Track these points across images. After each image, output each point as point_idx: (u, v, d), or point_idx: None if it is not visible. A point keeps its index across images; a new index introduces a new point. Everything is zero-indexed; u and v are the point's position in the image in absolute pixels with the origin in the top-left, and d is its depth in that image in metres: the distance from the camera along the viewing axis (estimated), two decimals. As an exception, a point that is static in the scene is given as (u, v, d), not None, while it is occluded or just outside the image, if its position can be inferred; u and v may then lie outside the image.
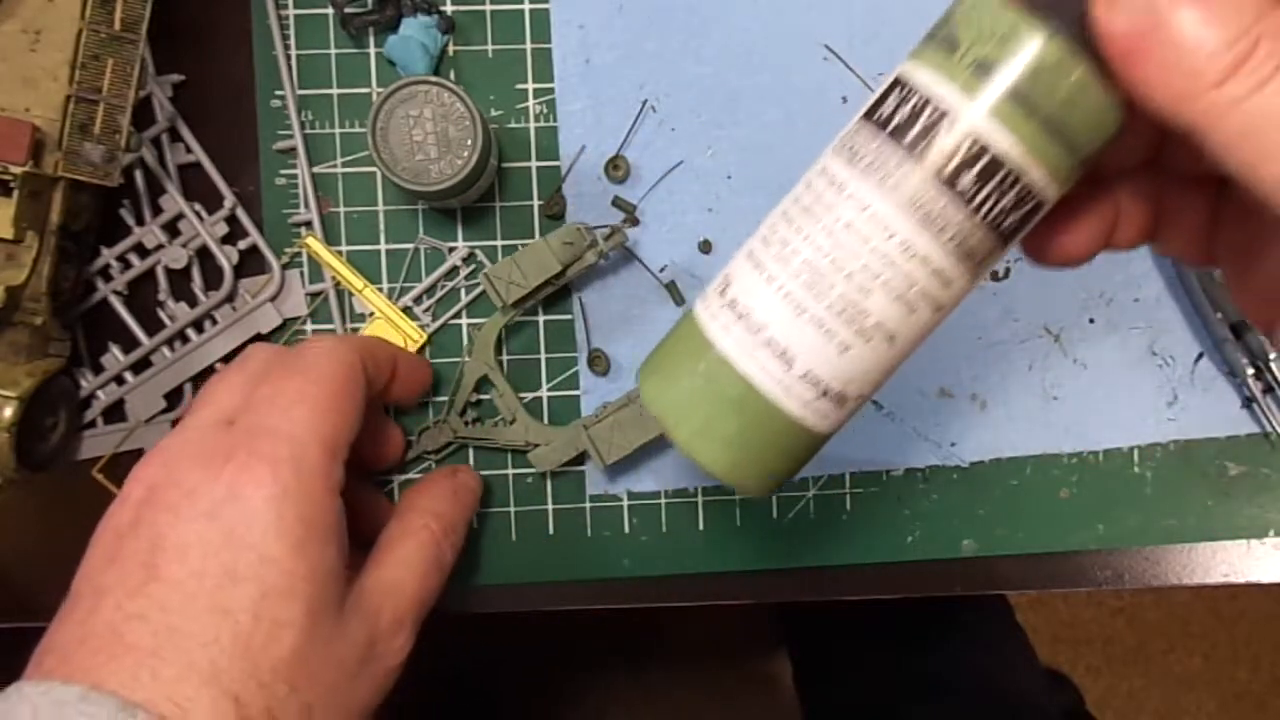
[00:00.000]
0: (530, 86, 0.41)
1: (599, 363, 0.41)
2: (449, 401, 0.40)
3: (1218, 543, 0.43)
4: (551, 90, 0.41)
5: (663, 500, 0.41)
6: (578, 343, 0.41)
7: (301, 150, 0.40)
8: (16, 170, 0.34)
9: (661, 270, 0.41)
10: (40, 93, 0.35)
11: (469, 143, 0.37)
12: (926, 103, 0.22)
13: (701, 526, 0.41)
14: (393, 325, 0.41)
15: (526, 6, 0.41)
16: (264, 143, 0.41)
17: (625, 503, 0.41)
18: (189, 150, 0.40)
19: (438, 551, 0.35)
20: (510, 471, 0.41)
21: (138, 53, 0.36)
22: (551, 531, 0.41)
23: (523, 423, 0.40)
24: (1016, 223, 0.23)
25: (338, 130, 0.41)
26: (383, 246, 0.41)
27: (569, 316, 0.41)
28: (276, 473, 0.29)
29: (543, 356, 0.41)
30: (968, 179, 0.22)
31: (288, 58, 0.40)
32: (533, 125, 0.41)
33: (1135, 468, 0.43)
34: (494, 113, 0.41)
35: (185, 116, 0.40)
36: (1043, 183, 0.22)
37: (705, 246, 0.41)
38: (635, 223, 0.41)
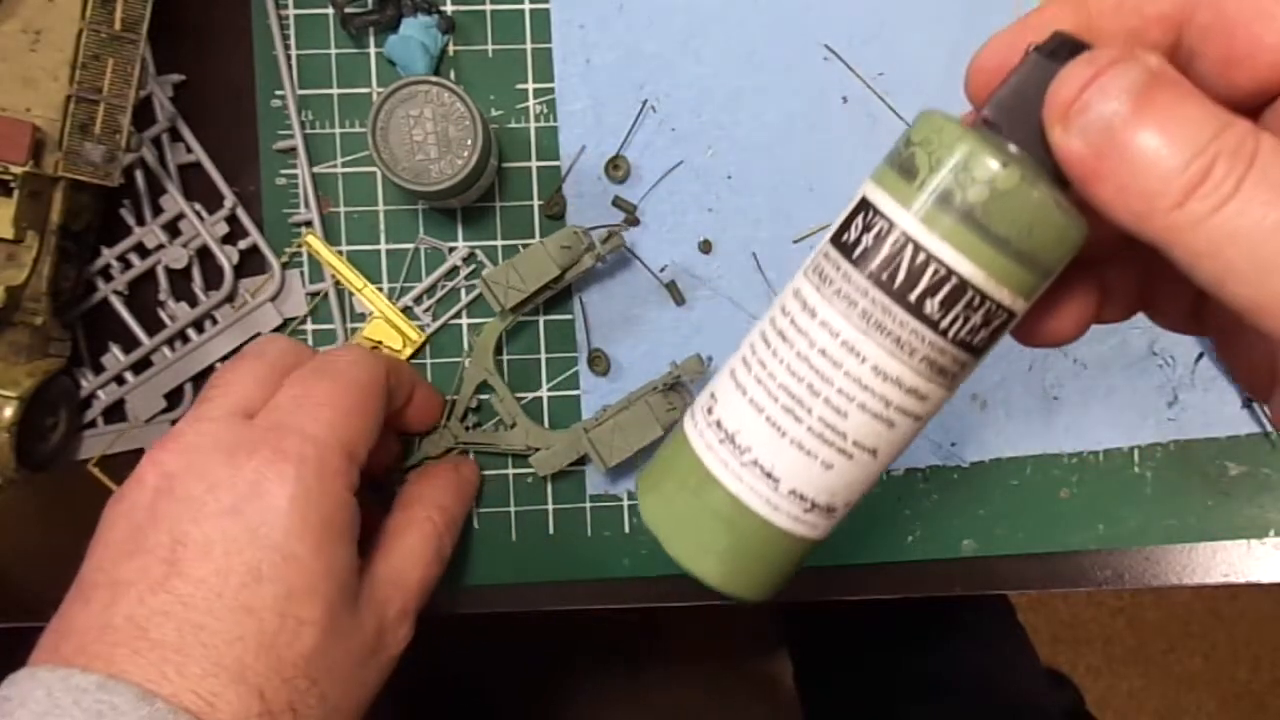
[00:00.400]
0: (530, 86, 0.41)
1: (599, 363, 0.41)
2: (448, 406, 0.40)
3: (1218, 543, 0.43)
4: (551, 90, 0.41)
5: (663, 500, 0.41)
6: (578, 343, 0.41)
7: (301, 150, 0.40)
8: (17, 170, 0.34)
9: (661, 270, 0.41)
10: (41, 93, 0.35)
11: (469, 143, 0.37)
12: (889, 230, 0.22)
13: (701, 526, 0.41)
14: (392, 325, 0.41)
15: (526, 6, 0.41)
16: (264, 143, 0.41)
17: (625, 503, 0.41)
18: (189, 150, 0.40)
19: (439, 543, 0.36)
20: (510, 471, 0.41)
21: (138, 53, 0.36)
22: (551, 531, 0.41)
23: (523, 427, 0.40)
24: (987, 337, 0.23)
25: (338, 130, 0.41)
26: (383, 246, 0.41)
27: (569, 317, 0.41)
28: (300, 472, 0.29)
29: (543, 357, 0.41)
30: (933, 305, 0.22)
31: (288, 58, 0.40)
32: (533, 125, 0.41)
33: (1135, 468, 0.43)
34: (494, 113, 0.41)
35: (186, 116, 0.40)
36: (1010, 300, 0.22)
37: (705, 246, 0.41)
38: (635, 223, 0.41)
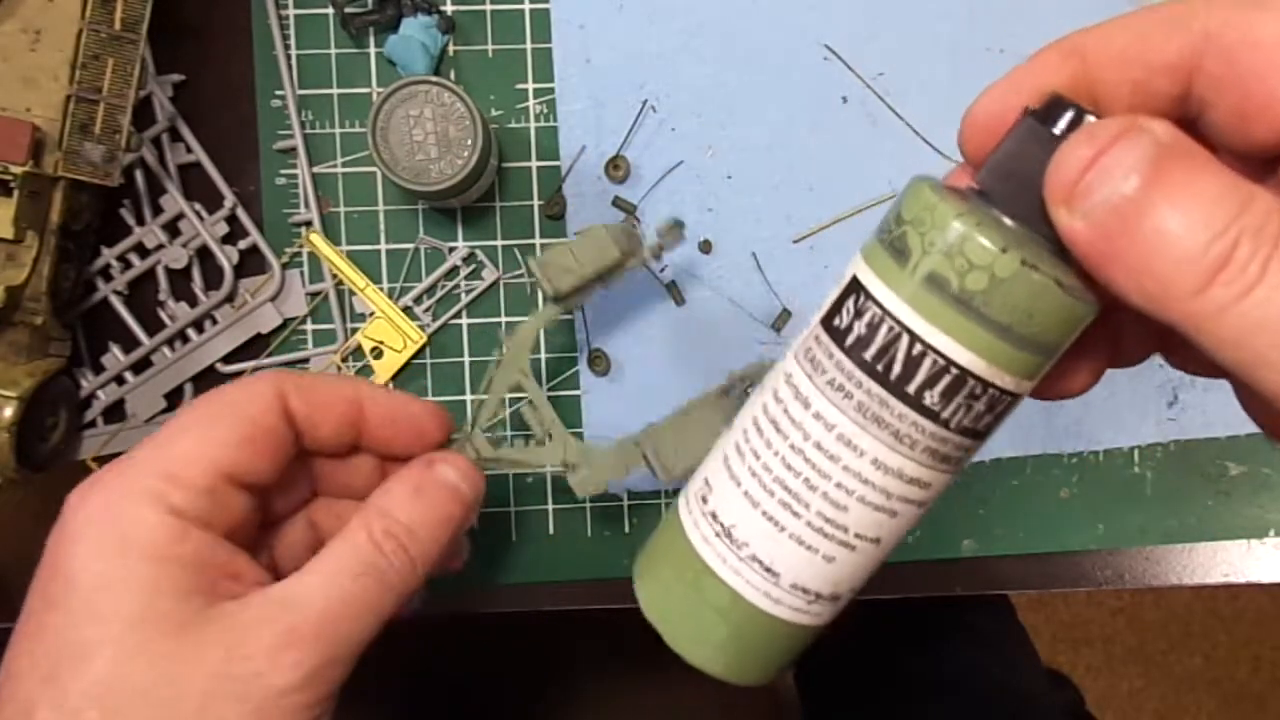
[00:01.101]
0: (530, 86, 0.41)
1: (599, 363, 0.41)
2: (472, 416, 0.35)
3: (1218, 543, 0.43)
4: (551, 90, 0.41)
5: (663, 500, 0.41)
6: (578, 343, 0.41)
7: (301, 150, 0.40)
8: (17, 170, 0.34)
9: (662, 270, 0.41)
10: (40, 92, 0.35)
11: (469, 143, 0.37)
12: (882, 319, 0.21)
13: (701, 526, 0.41)
14: (393, 325, 0.41)
15: (526, 6, 0.41)
16: (264, 143, 0.41)
17: (625, 503, 0.41)
18: (189, 150, 0.40)
19: (374, 559, 0.28)
20: (510, 471, 0.41)
21: (138, 52, 0.36)
22: (551, 531, 0.41)
23: (560, 440, 0.35)
24: (992, 421, 0.22)
25: (338, 130, 0.41)
26: (383, 246, 0.41)
27: (569, 317, 0.41)
28: (106, 494, 0.27)
29: (543, 356, 0.41)
30: (933, 396, 0.21)
31: (288, 58, 0.40)
32: (533, 125, 0.41)
33: (1135, 468, 0.43)
34: (494, 113, 0.41)
35: (186, 116, 0.40)
36: (1015, 384, 0.21)
37: (705, 246, 0.41)
38: (635, 222, 0.41)
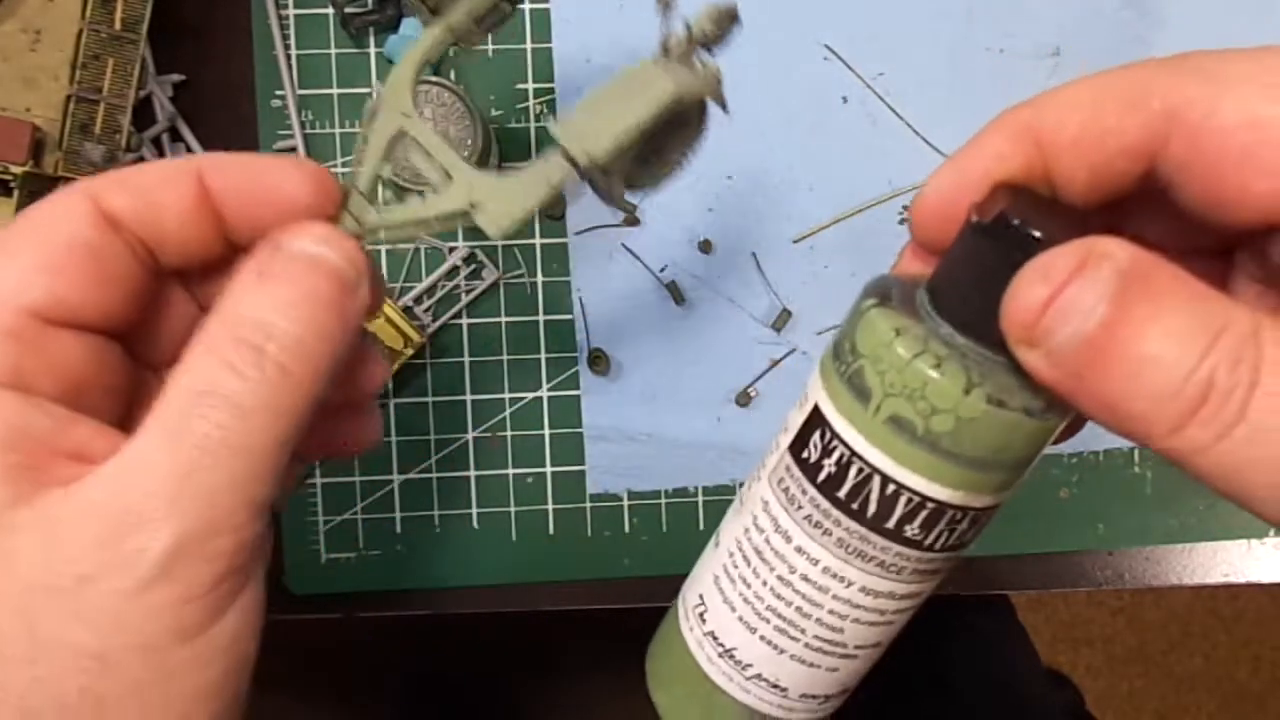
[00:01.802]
0: (530, 86, 0.41)
1: (599, 363, 0.41)
2: (345, 184, 0.25)
3: (1218, 543, 0.43)
4: (551, 90, 0.41)
5: (663, 500, 0.41)
6: (578, 343, 0.41)
7: (302, 150, 0.40)
8: (17, 170, 0.34)
9: (662, 270, 0.41)
10: (41, 92, 0.35)
11: (469, 142, 0.37)
12: (850, 459, 0.20)
13: (702, 526, 0.41)
14: (393, 325, 0.41)
15: (526, 6, 0.41)
16: (264, 143, 0.41)
17: (625, 503, 0.41)
18: (189, 150, 0.40)
19: (223, 381, 0.20)
20: (510, 471, 0.41)
21: (138, 52, 0.36)
22: (551, 531, 0.41)
23: (462, 180, 0.26)
24: (976, 532, 0.22)
25: (338, 130, 0.41)
26: (383, 247, 0.41)
27: (569, 316, 0.41)
28: None
29: (543, 356, 0.41)
30: (913, 529, 0.21)
31: (288, 58, 0.40)
32: (533, 125, 0.41)
33: (1135, 468, 0.43)
34: (494, 113, 0.41)
35: (186, 116, 0.40)
36: (994, 500, 0.21)
37: (705, 246, 0.41)
38: (636, 223, 0.41)
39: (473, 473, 0.41)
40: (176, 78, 0.40)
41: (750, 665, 0.24)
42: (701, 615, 0.25)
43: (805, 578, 0.22)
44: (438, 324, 0.41)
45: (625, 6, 0.41)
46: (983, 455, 0.19)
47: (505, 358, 0.41)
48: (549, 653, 0.73)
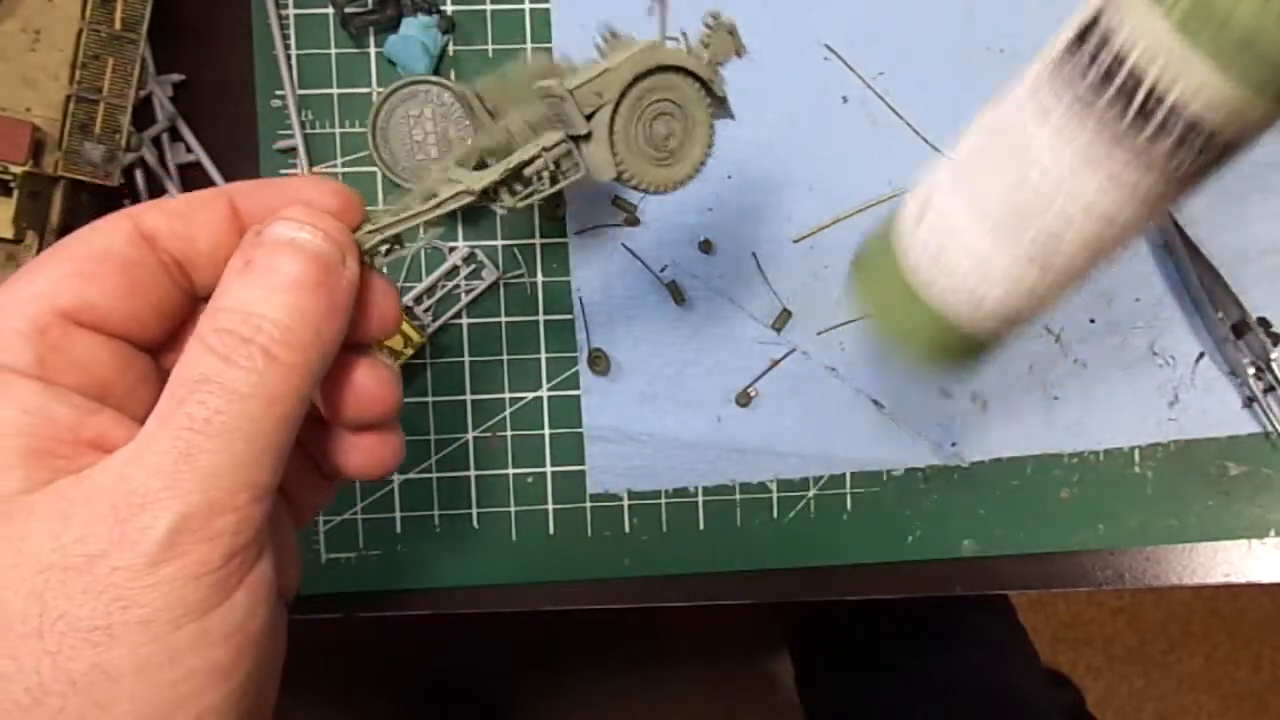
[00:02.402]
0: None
1: (599, 363, 0.41)
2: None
3: (1218, 543, 0.43)
4: (552, 90, 0.41)
5: (663, 500, 0.41)
6: (578, 343, 0.41)
7: (302, 150, 0.40)
8: (16, 170, 0.34)
9: (662, 270, 0.41)
10: (40, 92, 0.35)
11: (469, 143, 0.37)
12: (1133, 48, 0.20)
13: (701, 526, 0.41)
14: (393, 325, 0.41)
15: (526, 6, 0.41)
16: (264, 142, 0.41)
17: (625, 503, 0.41)
18: (189, 150, 0.40)
19: (212, 369, 0.21)
20: (510, 471, 0.41)
21: (138, 52, 0.36)
22: (551, 531, 0.41)
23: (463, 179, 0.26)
24: (1230, 155, 0.21)
25: (338, 130, 0.41)
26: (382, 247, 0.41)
27: (569, 316, 0.41)
28: None
29: (543, 356, 0.41)
30: (1166, 137, 0.20)
31: (288, 57, 0.40)
32: (533, 125, 0.41)
33: (1135, 468, 0.43)
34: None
35: (186, 116, 0.40)
36: (1246, 129, 0.20)
37: (705, 246, 0.41)
38: (636, 223, 0.41)
39: (473, 473, 0.41)
40: (176, 77, 0.40)
41: (956, 269, 0.24)
42: (921, 218, 0.25)
43: (1045, 173, 0.22)
44: (438, 324, 0.41)
45: (625, 7, 0.41)
46: (1261, 73, 0.19)
47: (505, 358, 0.41)
48: (549, 653, 0.73)
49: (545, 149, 0.25)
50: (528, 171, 0.25)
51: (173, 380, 0.21)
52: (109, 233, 0.23)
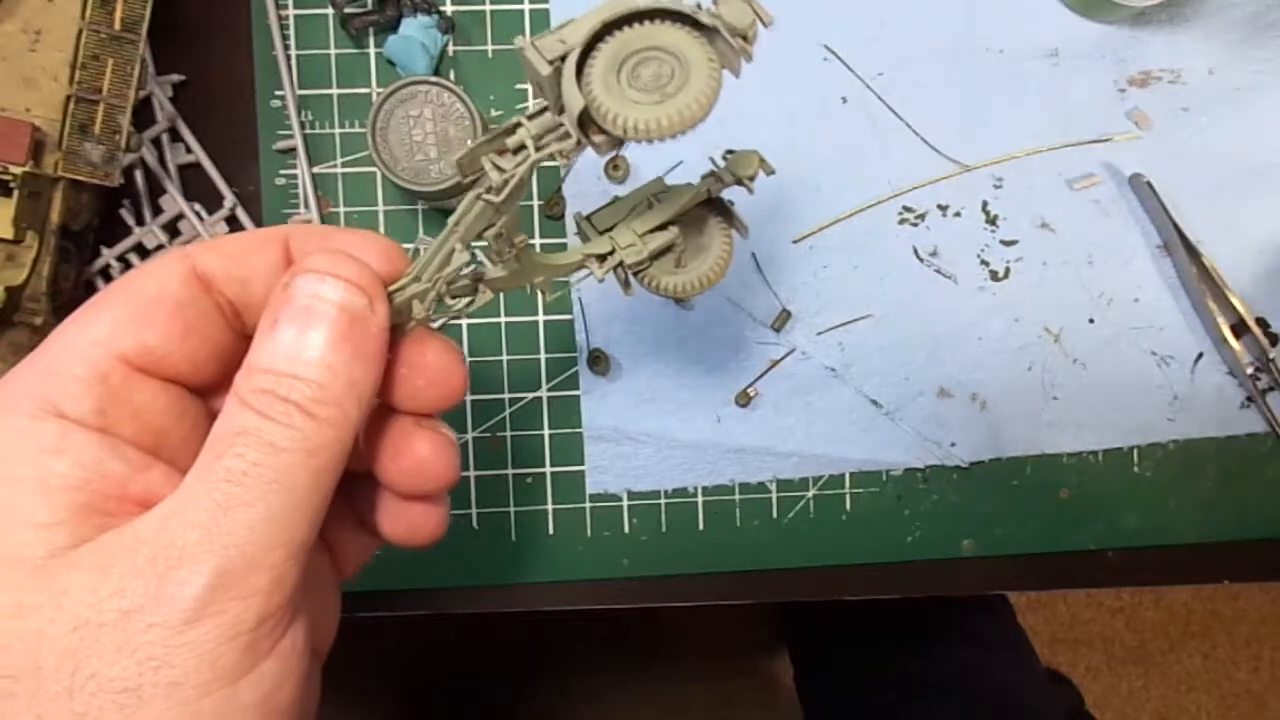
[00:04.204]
0: (530, 86, 0.41)
1: (599, 363, 0.41)
2: (423, 261, 0.24)
3: (1217, 543, 0.43)
4: (551, 90, 0.41)
5: (663, 500, 0.41)
6: (578, 343, 0.41)
7: (301, 150, 0.40)
8: (16, 170, 0.34)
9: (661, 270, 0.41)
10: (40, 93, 0.35)
11: (469, 143, 0.37)
12: None
13: (701, 526, 0.41)
14: (393, 325, 0.41)
15: (526, 6, 0.41)
16: (264, 143, 0.41)
17: (625, 503, 0.41)
18: (189, 150, 0.40)
19: (248, 424, 0.21)
20: (510, 471, 0.41)
21: (138, 53, 0.36)
22: (551, 531, 0.41)
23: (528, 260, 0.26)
24: None
25: (338, 130, 0.41)
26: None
27: (569, 316, 0.41)
28: None
29: (543, 357, 0.41)
30: None
31: (288, 58, 0.40)
32: (533, 125, 0.41)
33: (1135, 468, 0.43)
34: (494, 113, 0.41)
35: (185, 116, 0.40)
36: None
37: (705, 246, 0.41)
38: (635, 223, 0.41)
39: (473, 473, 0.41)
40: (176, 78, 0.40)
41: None
42: None
43: None
44: (438, 324, 0.41)
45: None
46: None
47: (505, 358, 0.41)
48: (549, 653, 0.73)
49: (528, 117, 0.23)
50: (510, 142, 0.23)
51: (212, 435, 0.21)
52: (165, 275, 0.23)
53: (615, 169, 0.41)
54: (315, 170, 0.41)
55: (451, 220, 0.23)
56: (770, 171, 0.29)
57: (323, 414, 0.21)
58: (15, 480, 0.20)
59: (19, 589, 0.19)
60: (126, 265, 0.40)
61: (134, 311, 0.22)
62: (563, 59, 0.22)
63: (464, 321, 0.41)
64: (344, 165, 0.41)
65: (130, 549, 0.19)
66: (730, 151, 0.30)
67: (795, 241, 0.42)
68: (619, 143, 0.23)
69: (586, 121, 0.22)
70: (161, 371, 0.22)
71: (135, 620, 0.19)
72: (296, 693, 0.21)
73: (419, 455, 0.25)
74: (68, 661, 0.19)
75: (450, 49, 0.41)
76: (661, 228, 0.30)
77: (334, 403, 0.21)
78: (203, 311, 0.23)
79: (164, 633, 0.19)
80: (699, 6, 0.24)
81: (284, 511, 0.20)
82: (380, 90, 0.40)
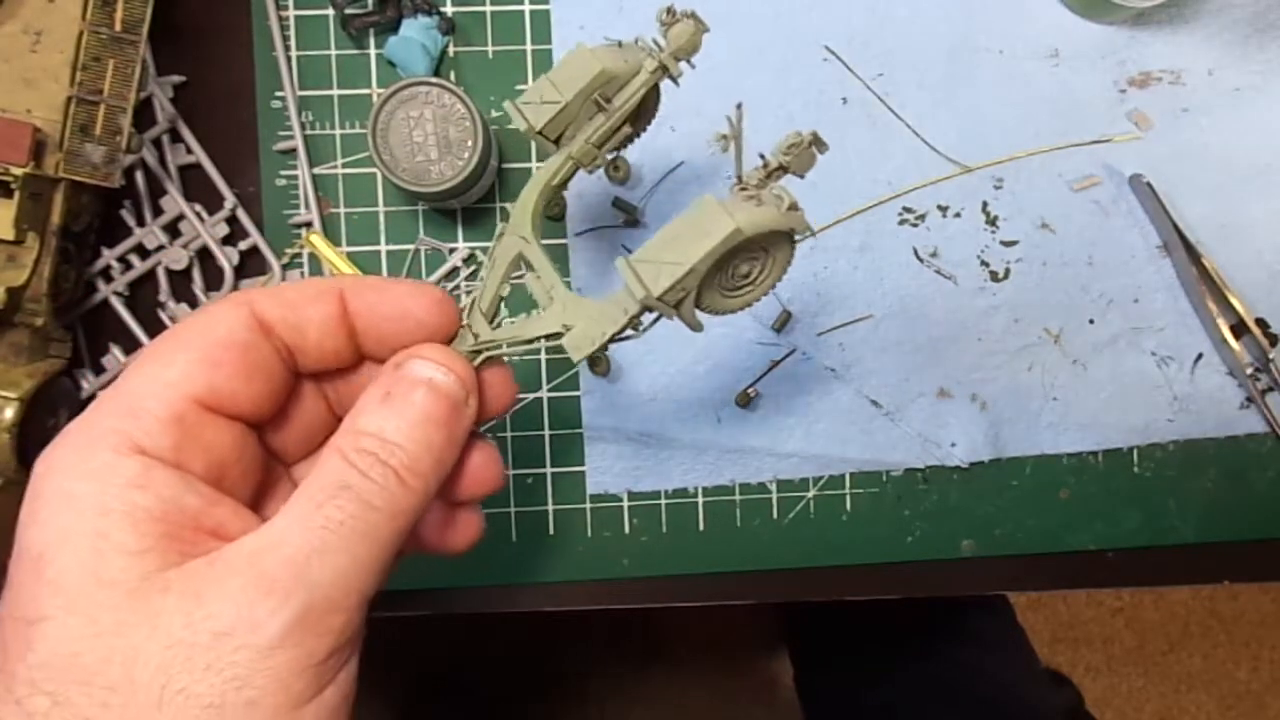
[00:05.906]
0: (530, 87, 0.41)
1: (599, 363, 0.41)
2: (470, 300, 0.29)
3: (1218, 543, 0.43)
4: (552, 91, 0.41)
5: (663, 500, 0.41)
6: (578, 343, 0.41)
7: (302, 151, 0.40)
8: (17, 171, 0.34)
9: (662, 271, 0.41)
10: (41, 94, 0.35)
11: (469, 144, 0.37)
12: None
13: (701, 527, 0.41)
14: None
15: (526, 7, 0.41)
16: (264, 143, 0.41)
17: (625, 503, 0.41)
18: (190, 151, 0.40)
19: (349, 479, 0.24)
20: (510, 472, 0.41)
21: (139, 54, 0.36)
22: (551, 531, 0.41)
23: (559, 301, 0.29)
24: None
25: (338, 131, 0.41)
26: (383, 247, 0.41)
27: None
28: (67, 446, 0.23)
29: (543, 357, 0.41)
30: None
31: (288, 58, 0.40)
32: (533, 126, 0.41)
33: (1135, 468, 0.43)
34: (494, 113, 0.41)
35: (186, 117, 0.40)
36: None
37: (705, 247, 0.41)
38: (636, 223, 0.41)
39: (473, 473, 0.41)
40: (177, 79, 0.40)
41: None
42: None
43: None
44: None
45: (625, 8, 0.41)
46: None
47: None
48: (549, 652, 0.73)
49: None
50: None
51: (309, 484, 0.23)
52: (230, 320, 0.25)
53: (616, 169, 0.41)
54: (316, 171, 0.41)
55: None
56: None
57: (412, 483, 0.24)
58: (106, 511, 0.22)
59: (117, 610, 0.21)
60: (127, 266, 0.40)
61: (204, 354, 0.24)
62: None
63: (464, 321, 0.41)
64: (344, 166, 0.41)
65: (220, 578, 0.22)
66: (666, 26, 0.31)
67: (795, 242, 0.42)
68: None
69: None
70: (227, 410, 0.25)
71: (225, 642, 0.21)
72: (349, 718, 0.24)
73: (471, 463, 0.28)
74: (159, 676, 0.21)
75: (451, 50, 0.41)
76: (615, 131, 0.31)
77: (422, 475, 0.25)
78: (264, 355, 0.25)
79: (250, 655, 0.21)
80: (762, 158, 0.27)
81: (367, 563, 0.23)
82: (381, 91, 0.40)
